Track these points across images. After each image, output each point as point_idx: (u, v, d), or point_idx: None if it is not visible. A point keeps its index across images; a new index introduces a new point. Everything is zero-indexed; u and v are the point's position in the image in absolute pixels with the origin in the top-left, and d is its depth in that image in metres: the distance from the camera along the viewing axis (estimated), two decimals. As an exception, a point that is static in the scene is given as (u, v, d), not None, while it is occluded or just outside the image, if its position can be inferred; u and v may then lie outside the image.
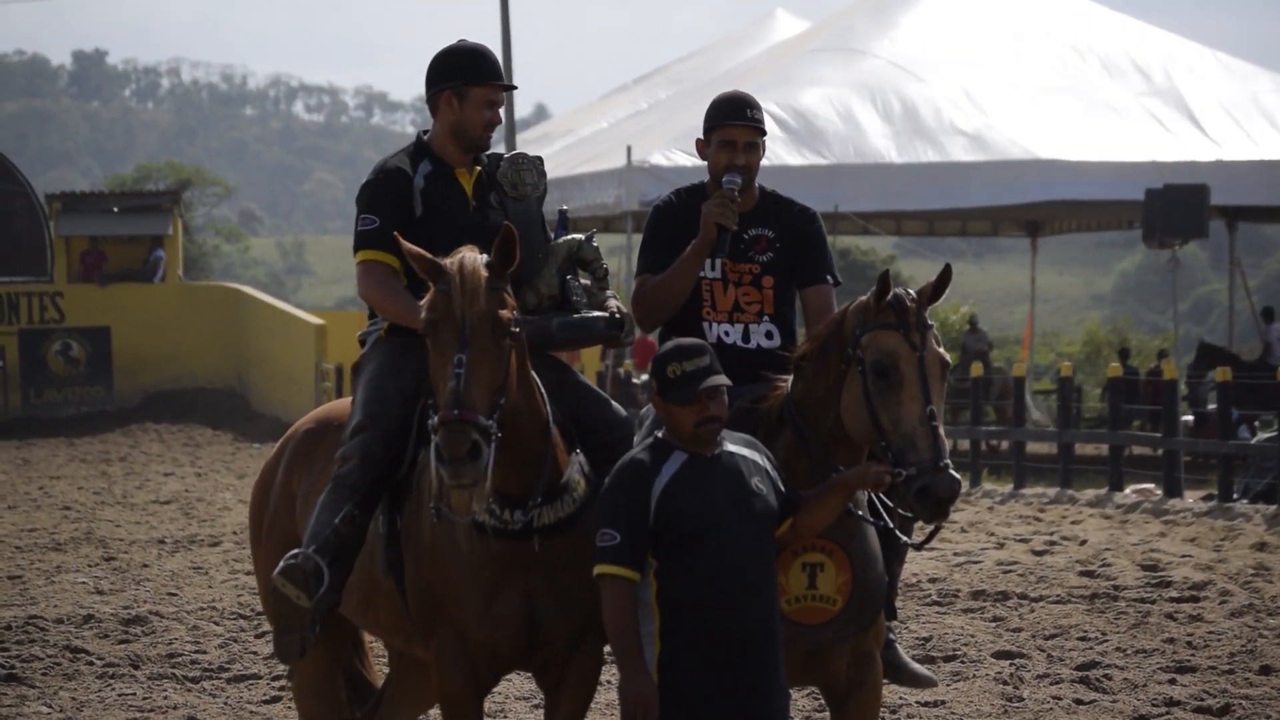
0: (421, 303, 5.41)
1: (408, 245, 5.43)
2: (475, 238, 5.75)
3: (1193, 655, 10.11)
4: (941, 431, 5.37)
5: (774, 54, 26.72)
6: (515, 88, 6.24)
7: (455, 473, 5.15)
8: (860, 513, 5.61)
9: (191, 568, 14.20)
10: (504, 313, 5.33)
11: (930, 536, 5.73)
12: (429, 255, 5.41)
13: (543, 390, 5.60)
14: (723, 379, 5.31)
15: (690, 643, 5.22)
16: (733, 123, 6.08)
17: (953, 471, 5.35)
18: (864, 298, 5.57)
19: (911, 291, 5.53)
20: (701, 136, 6.17)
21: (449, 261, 5.39)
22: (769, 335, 6.10)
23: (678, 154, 21.99)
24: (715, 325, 6.10)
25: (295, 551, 5.76)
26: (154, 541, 15.95)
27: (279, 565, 5.77)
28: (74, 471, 24.28)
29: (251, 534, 6.46)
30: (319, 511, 5.77)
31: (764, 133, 6.13)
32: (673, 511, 5.22)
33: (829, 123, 23.24)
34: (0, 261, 33.99)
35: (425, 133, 6.07)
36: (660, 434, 5.37)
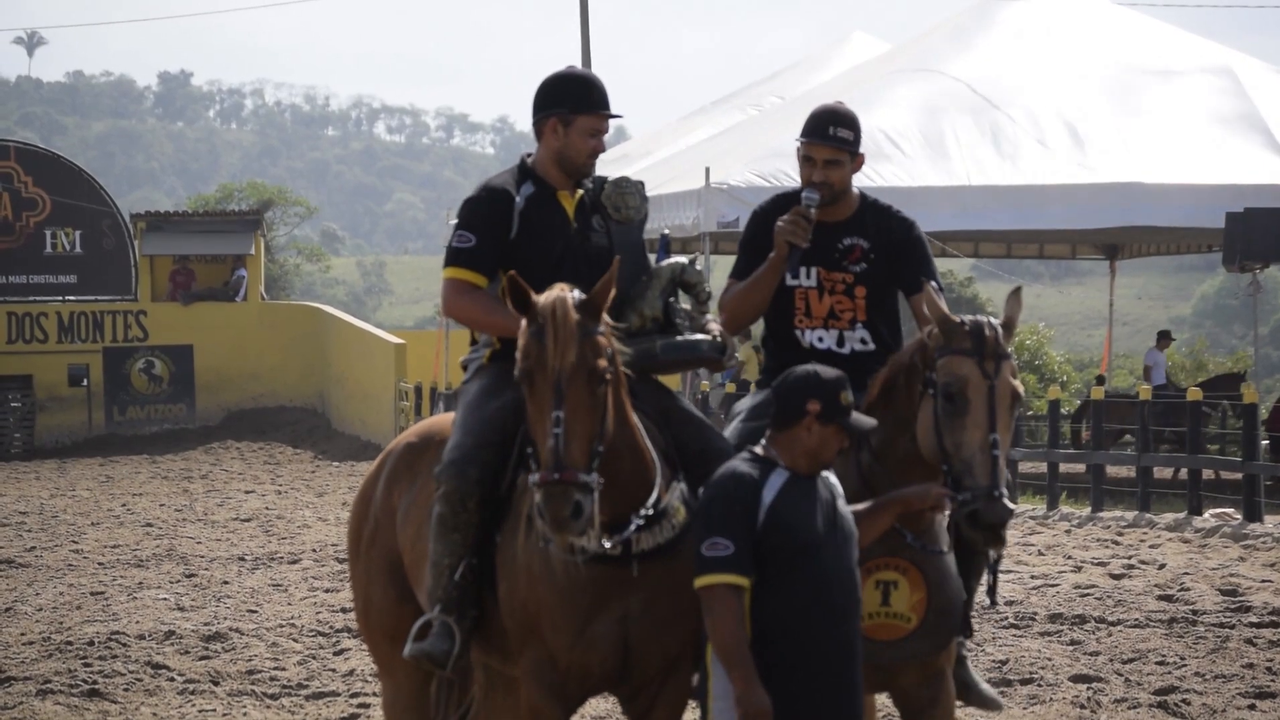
0: (517, 349, 5.33)
1: (515, 277, 5.34)
2: (575, 259, 5.79)
3: (1272, 681, 10.02)
4: (1002, 461, 5.42)
5: (852, 76, 26.66)
6: (620, 116, 6.21)
7: (559, 531, 5.17)
8: (923, 543, 5.64)
9: (271, 585, 14.31)
10: (600, 361, 5.27)
11: (992, 591, 5.82)
12: (529, 291, 5.31)
13: (640, 418, 5.56)
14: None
15: (782, 658, 5.21)
16: (812, 140, 6.10)
17: (1006, 501, 5.39)
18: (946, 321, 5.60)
19: (995, 320, 5.56)
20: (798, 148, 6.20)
21: (541, 302, 5.30)
22: (863, 341, 6.15)
23: (755, 175, 22.00)
24: (809, 332, 6.15)
25: (422, 623, 5.72)
26: (234, 558, 16.07)
27: (409, 647, 5.73)
28: (156, 489, 24.53)
29: (350, 547, 6.40)
30: (433, 561, 5.73)
31: (845, 148, 6.09)
32: (781, 526, 5.21)
33: (907, 144, 23.20)
34: (86, 280, 34.47)
35: (529, 155, 6.06)
36: (758, 450, 5.34)
